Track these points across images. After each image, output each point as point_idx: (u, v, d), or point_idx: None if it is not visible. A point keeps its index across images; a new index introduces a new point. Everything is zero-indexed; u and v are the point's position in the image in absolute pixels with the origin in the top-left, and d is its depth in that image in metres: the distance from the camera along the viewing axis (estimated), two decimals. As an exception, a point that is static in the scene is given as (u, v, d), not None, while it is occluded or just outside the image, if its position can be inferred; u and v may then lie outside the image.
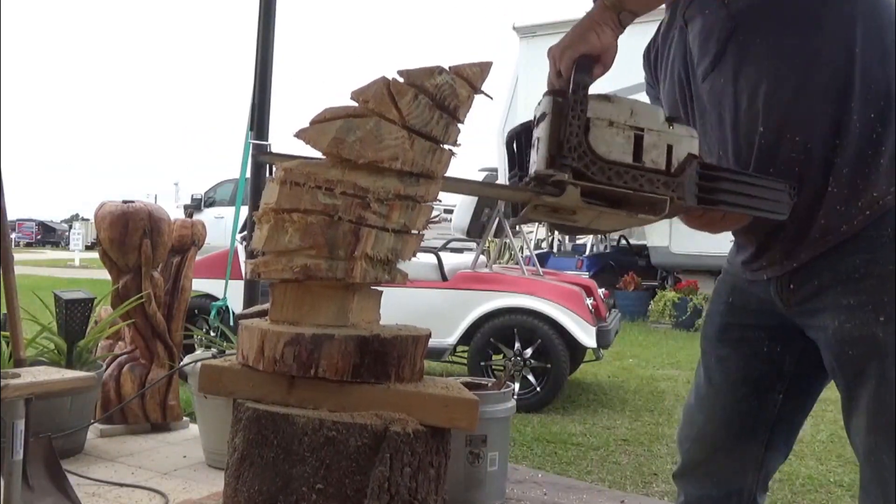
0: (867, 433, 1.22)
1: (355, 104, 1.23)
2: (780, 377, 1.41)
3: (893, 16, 1.25)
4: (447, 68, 1.23)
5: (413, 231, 1.29)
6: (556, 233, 11.63)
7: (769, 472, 1.48)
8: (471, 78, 1.25)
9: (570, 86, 1.14)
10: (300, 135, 1.23)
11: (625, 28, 1.21)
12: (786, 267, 1.30)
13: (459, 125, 1.27)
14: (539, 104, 1.19)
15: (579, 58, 1.16)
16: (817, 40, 1.24)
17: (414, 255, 1.32)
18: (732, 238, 1.45)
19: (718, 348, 1.46)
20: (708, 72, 1.32)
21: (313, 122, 1.23)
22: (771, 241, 1.31)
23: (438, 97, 1.23)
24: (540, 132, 1.16)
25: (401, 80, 1.22)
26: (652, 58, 1.54)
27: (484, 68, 1.26)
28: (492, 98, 1.30)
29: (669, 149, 1.17)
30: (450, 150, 1.28)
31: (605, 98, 1.15)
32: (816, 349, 1.31)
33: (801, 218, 1.25)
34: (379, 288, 1.36)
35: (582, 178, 1.13)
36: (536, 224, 11.12)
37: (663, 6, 1.40)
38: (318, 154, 1.26)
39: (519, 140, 1.28)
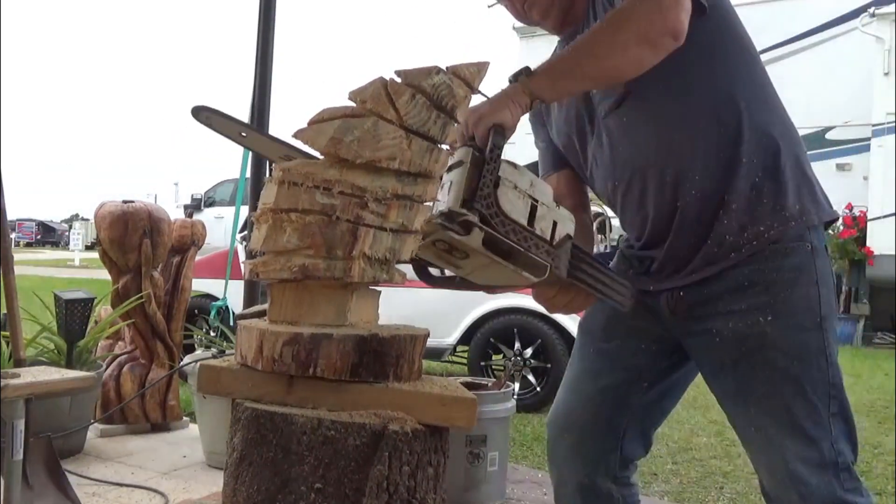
0: (758, 416, 1.40)
1: (353, 104, 1.24)
2: (650, 372, 1.57)
3: (763, 67, 1.46)
4: (444, 68, 1.23)
5: (411, 231, 1.29)
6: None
7: (627, 456, 1.62)
8: (468, 78, 1.25)
9: (489, 145, 1.25)
10: (298, 135, 1.23)
11: (534, 109, 1.38)
12: (676, 282, 1.46)
13: (457, 125, 1.28)
14: (455, 152, 1.29)
15: (495, 125, 1.28)
16: (705, 96, 1.40)
17: (412, 255, 1.32)
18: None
19: (601, 341, 1.60)
20: (612, 109, 1.46)
21: (311, 123, 1.23)
22: (661, 263, 1.48)
23: (436, 97, 1.24)
24: (453, 177, 1.26)
25: (398, 80, 1.22)
26: None
27: (481, 68, 1.26)
28: (489, 98, 1.31)
29: (554, 224, 1.31)
30: (447, 149, 1.29)
31: (513, 165, 1.27)
32: (685, 355, 1.52)
33: (691, 245, 1.43)
34: (377, 288, 1.37)
35: (488, 226, 1.22)
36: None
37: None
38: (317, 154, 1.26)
39: None
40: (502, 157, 1.26)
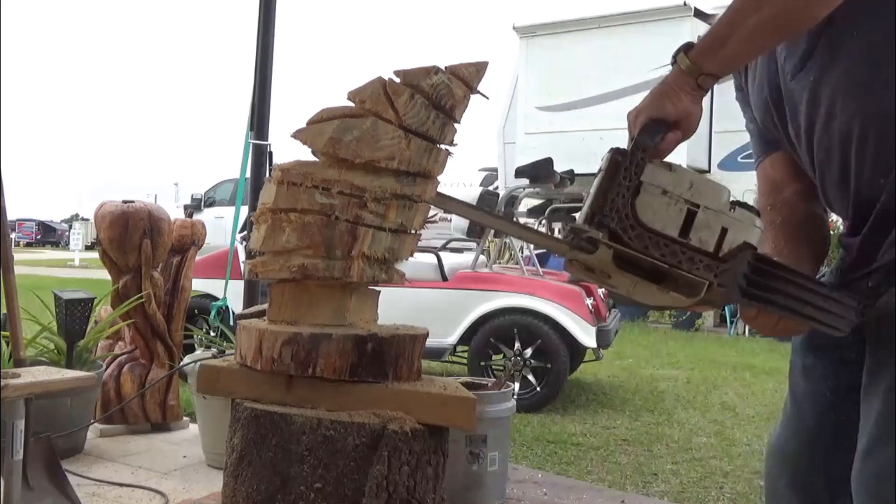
0: (877, 420, 1.14)
1: (352, 104, 1.24)
2: (856, 392, 1.27)
3: None
4: (443, 68, 1.23)
5: (410, 230, 1.29)
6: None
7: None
8: (467, 78, 1.25)
9: (630, 146, 1.10)
10: (297, 135, 1.24)
11: (707, 90, 1.13)
12: (863, 269, 1.20)
13: (456, 125, 1.28)
14: (602, 159, 1.16)
15: (647, 121, 1.12)
16: None
17: (411, 255, 1.32)
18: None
19: (805, 356, 1.36)
20: (797, 70, 1.20)
21: (310, 123, 1.24)
22: (858, 251, 1.22)
23: (435, 97, 1.24)
24: (592, 187, 1.14)
25: (397, 80, 1.23)
26: None
27: (480, 68, 1.26)
28: (488, 98, 1.30)
29: (723, 232, 1.10)
30: (446, 149, 1.29)
31: (666, 166, 1.10)
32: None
33: (882, 225, 1.16)
34: (377, 287, 1.37)
35: (618, 242, 1.09)
36: (536, 224, 11.10)
37: None
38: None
39: None
40: (654, 160, 1.09)
